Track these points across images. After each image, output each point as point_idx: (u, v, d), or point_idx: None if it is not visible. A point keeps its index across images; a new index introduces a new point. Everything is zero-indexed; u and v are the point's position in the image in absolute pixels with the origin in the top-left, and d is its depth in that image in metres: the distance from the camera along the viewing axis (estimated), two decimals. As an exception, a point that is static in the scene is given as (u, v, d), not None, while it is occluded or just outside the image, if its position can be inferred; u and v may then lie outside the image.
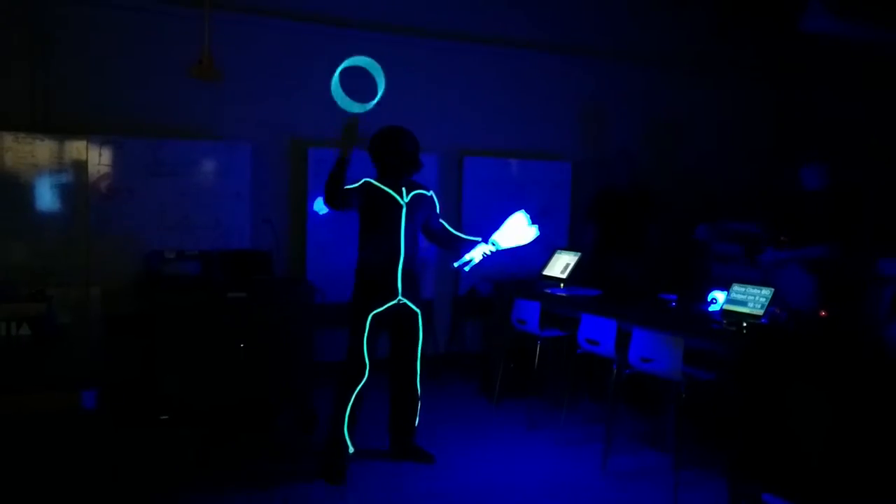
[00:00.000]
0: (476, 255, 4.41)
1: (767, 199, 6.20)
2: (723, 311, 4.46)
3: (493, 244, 4.41)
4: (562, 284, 5.59)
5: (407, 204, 4.33)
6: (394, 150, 4.28)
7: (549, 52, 6.90)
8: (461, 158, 6.64)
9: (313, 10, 6.01)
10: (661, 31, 7.25)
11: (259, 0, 5.81)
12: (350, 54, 6.15)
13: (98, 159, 5.32)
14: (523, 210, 4.47)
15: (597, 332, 4.73)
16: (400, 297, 4.34)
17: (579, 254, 5.86)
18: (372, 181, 4.31)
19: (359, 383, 4.31)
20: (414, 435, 4.59)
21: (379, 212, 4.27)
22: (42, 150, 5.18)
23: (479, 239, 4.46)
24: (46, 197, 5.22)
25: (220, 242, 5.56)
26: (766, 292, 4.32)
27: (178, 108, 5.60)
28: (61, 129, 5.27)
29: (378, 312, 4.30)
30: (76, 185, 5.28)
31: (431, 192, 4.53)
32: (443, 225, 4.57)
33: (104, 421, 3.08)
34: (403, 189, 4.34)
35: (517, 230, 4.40)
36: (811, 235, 4.82)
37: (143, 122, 5.52)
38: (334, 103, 5.95)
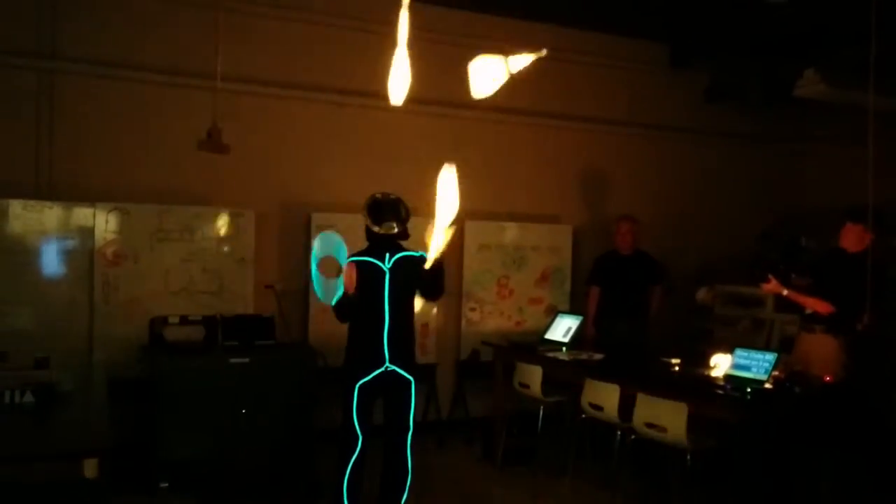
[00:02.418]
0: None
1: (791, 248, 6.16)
2: (726, 377, 4.44)
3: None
4: (564, 349, 5.58)
5: (390, 269, 4.31)
6: (376, 220, 4.30)
7: (549, 119, 7.02)
8: (462, 222, 6.70)
9: (316, 82, 6.15)
10: (659, 98, 7.39)
11: (264, 73, 5.95)
12: (353, 123, 6.33)
13: (105, 226, 5.38)
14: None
15: (600, 398, 4.72)
16: (387, 364, 4.27)
17: (581, 317, 5.87)
18: (352, 259, 4.29)
19: (352, 454, 4.28)
20: None
21: (363, 282, 4.24)
22: (50, 216, 5.24)
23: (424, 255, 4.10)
24: (53, 263, 5.27)
25: (223, 308, 5.57)
26: (770, 357, 4.31)
27: (183, 175, 5.68)
28: (69, 197, 5.35)
29: (366, 381, 4.26)
30: (82, 251, 5.33)
31: (421, 253, 4.39)
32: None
33: (105, 489, 3.07)
34: (387, 255, 4.33)
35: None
36: (826, 292, 4.79)
37: (150, 189, 5.60)
38: (336, 169, 6.06)
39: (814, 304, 4.81)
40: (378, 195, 4.38)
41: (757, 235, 7.01)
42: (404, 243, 4.44)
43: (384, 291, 4.29)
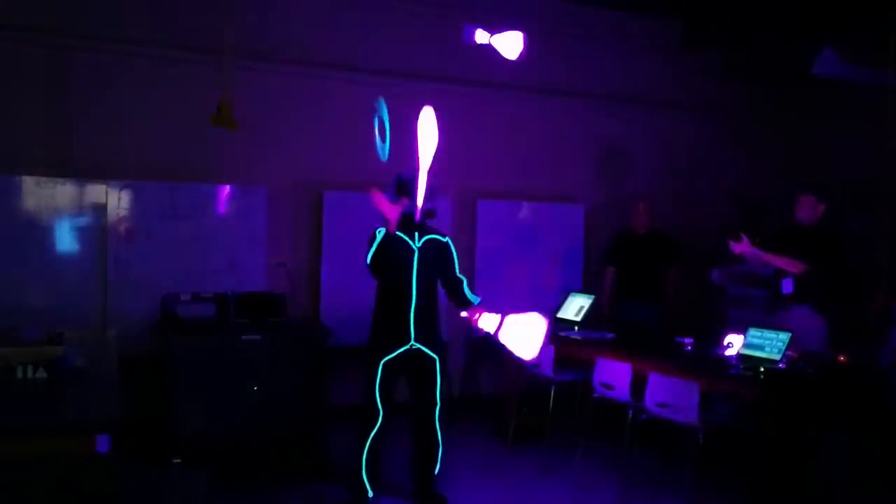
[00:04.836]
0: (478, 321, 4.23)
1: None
2: (739, 356, 4.41)
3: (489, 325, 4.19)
4: (576, 327, 5.56)
5: (419, 248, 4.34)
6: (407, 197, 4.28)
7: (562, 97, 6.96)
8: (475, 201, 6.67)
9: (327, 58, 6.11)
10: (674, 76, 7.31)
11: (275, 49, 5.92)
12: (362, 99, 6.25)
13: (117, 203, 5.39)
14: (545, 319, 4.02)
15: (612, 377, 4.70)
16: (412, 342, 4.32)
17: (593, 296, 5.85)
18: (385, 229, 4.31)
19: (372, 429, 4.33)
20: (432, 482, 4.51)
21: (392, 258, 4.27)
22: (63, 193, 5.26)
23: (479, 299, 4.45)
24: (66, 240, 5.29)
25: (235, 285, 5.57)
26: (784, 337, 4.28)
27: (195, 152, 5.67)
28: (82, 174, 5.36)
29: (390, 358, 4.30)
30: (95, 229, 5.35)
31: (447, 239, 4.51)
32: (455, 277, 4.49)
33: (117, 465, 3.08)
34: (416, 234, 4.36)
35: (523, 334, 4.01)
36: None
37: (162, 166, 5.60)
38: (349, 147, 6.02)
39: (786, 264, 4.75)
40: (405, 174, 4.37)
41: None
42: (431, 223, 4.45)
43: (412, 270, 4.31)
